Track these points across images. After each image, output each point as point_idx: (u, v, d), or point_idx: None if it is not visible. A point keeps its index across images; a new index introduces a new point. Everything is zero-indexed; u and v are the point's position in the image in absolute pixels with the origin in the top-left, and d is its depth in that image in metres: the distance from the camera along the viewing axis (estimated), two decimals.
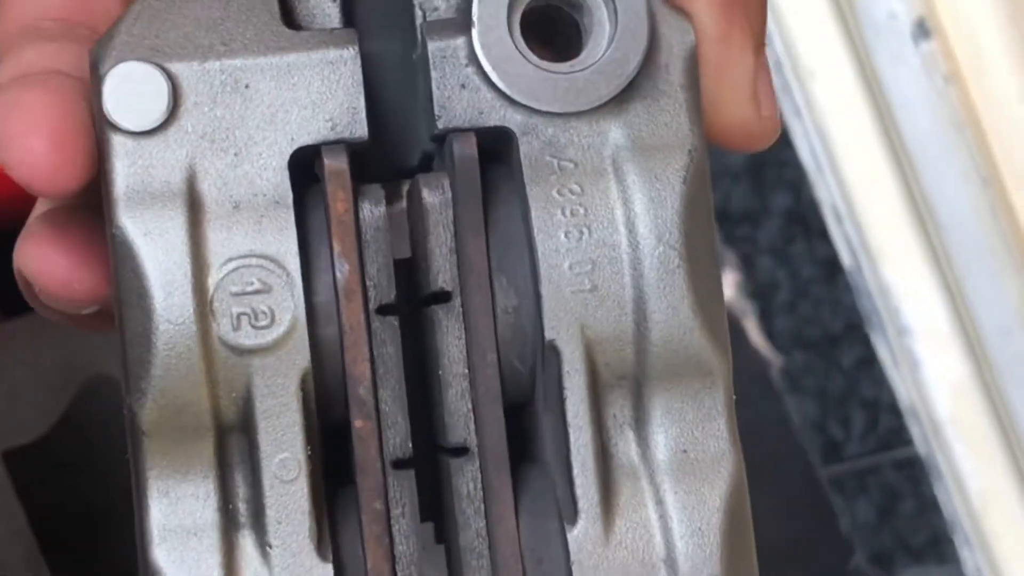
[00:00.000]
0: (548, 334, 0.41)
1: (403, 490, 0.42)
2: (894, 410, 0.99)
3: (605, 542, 0.41)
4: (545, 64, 0.41)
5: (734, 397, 0.43)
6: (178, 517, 0.42)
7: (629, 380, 0.42)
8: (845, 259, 0.99)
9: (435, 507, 0.44)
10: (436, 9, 0.43)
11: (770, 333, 1.04)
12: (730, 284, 1.05)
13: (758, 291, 1.04)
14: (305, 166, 0.41)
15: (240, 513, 0.42)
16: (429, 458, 0.44)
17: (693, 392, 0.42)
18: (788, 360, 1.10)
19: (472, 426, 0.42)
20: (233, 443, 0.42)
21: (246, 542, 0.42)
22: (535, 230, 0.41)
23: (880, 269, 0.97)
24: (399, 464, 0.42)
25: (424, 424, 0.43)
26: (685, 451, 0.42)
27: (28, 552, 0.73)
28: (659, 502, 0.42)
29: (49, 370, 0.74)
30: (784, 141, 0.99)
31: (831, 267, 1.02)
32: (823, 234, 1.01)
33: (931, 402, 0.96)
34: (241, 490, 0.42)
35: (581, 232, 0.41)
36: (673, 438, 0.42)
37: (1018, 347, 0.92)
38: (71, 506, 0.77)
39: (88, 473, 0.76)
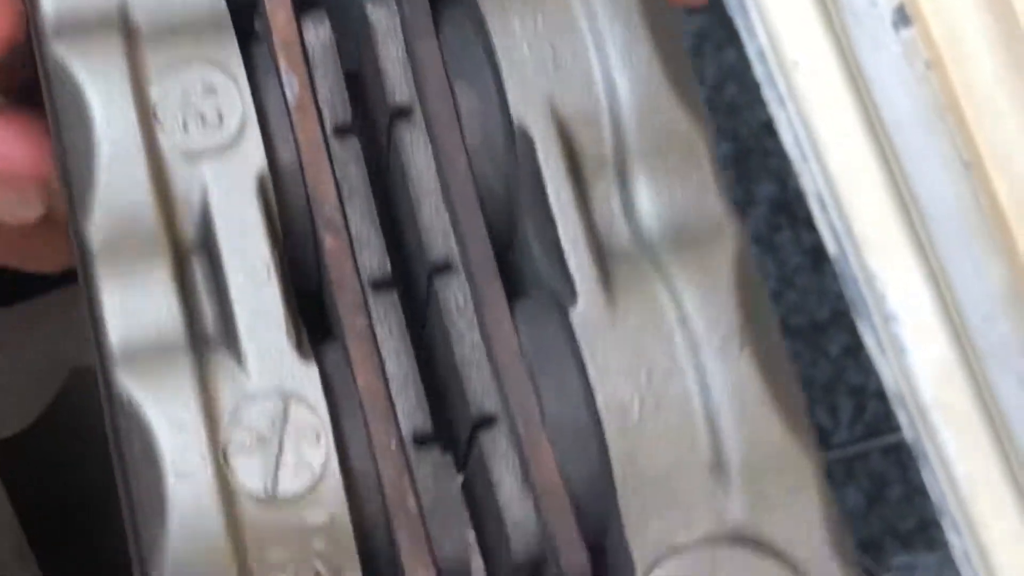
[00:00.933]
0: (516, 117, 0.39)
1: (387, 310, 0.40)
2: (881, 397, 1.00)
3: (611, 317, 0.39)
4: None
5: (719, 164, 0.40)
6: (140, 338, 0.38)
7: (611, 165, 0.39)
8: (830, 247, 0.99)
9: (422, 339, 0.41)
10: None
11: None
12: None
13: None
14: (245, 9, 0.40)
15: (209, 333, 0.39)
16: (409, 290, 0.41)
17: (679, 169, 0.40)
18: None
19: (452, 239, 0.40)
20: (195, 264, 0.39)
21: (219, 356, 0.39)
22: (488, 23, 0.39)
23: (865, 256, 0.97)
24: (379, 285, 0.40)
25: (399, 255, 0.41)
26: (682, 228, 0.39)
27: (15, 544, 0.73)
28: (663, 274, 0.39)
29: (34, 361, 0.74)
30: (768, 130, 1.00)
31: (817, 255, 1.02)
32: (808, 222, 1.01)
33: (917, 388, 0.96)
34: (208, 310, 0.39)
35: (535, 15, 0.39)
36: (667, 218, 0.39)
37: (1002, 331, 0.92)
38: (58, 498, 0.78)
39: (75, 464, 0.76)
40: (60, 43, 0.39)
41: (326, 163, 0.39)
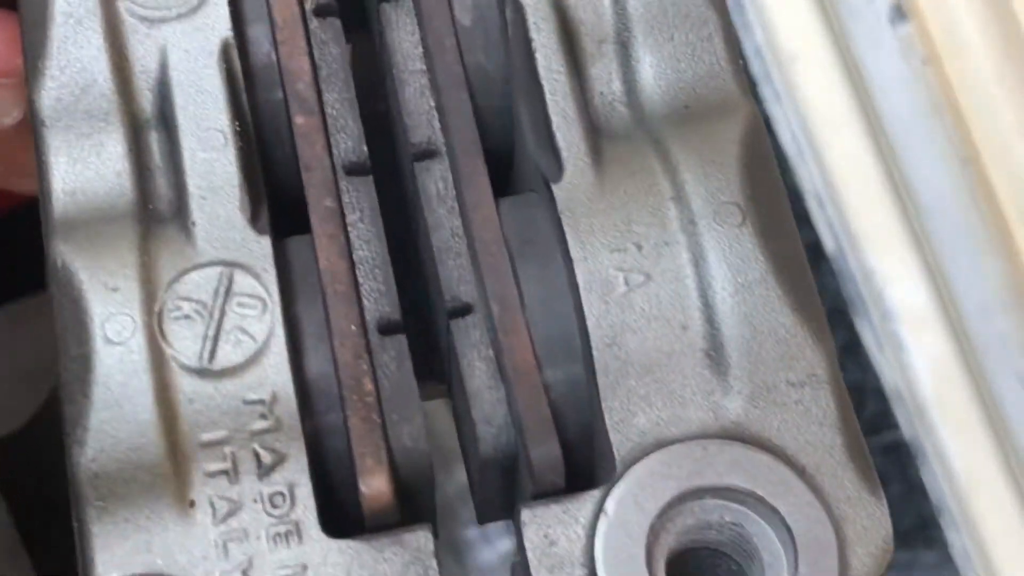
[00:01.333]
0: None
1: (359, 195, 0.37)
2: (880, 394, 0.99)
3: (598, 189, 0.36)
4: None
5: (741, 55, 0.38)
6: (86, 207, 0.36)
7: (612, 43, 0.37)
8: (828, 244, 0.99)
9: (402, 230, 0.39)
10: None
11: None
12: None
13: None
14: None
15: (162, 211, 0.36)
16: (393, 180, 0.39)
17: (688, 46, 0.37)
18: None
19: (436, 124, 0.37)
20: (151, 141, 0.37)
21: (167, 229, 0.36)
22: None
23: (863, 253, 0.97)
24: (352, 170, 0.37)
25: (385, 144, 0.39)
26: (687, 106, 0.37)
27: (9, 543, 0.73)
28: (660, 149, 0.36)
29: (26, 362, 0.74)
30: (766, 128, 1.00)
31: (815, 253, 1.02)
32: (806, 220, 1.01)
33: (915, 385, 0.96)
34: (162, 181, 0.37)
35: None
36: (671, 96, 0.37)
37: (999, 327, 0.92)
38: (52, 498, 0.78)
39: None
40: None
41: (302, 39, 0.37)
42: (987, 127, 0.91)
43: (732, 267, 0.35)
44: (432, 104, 0.37)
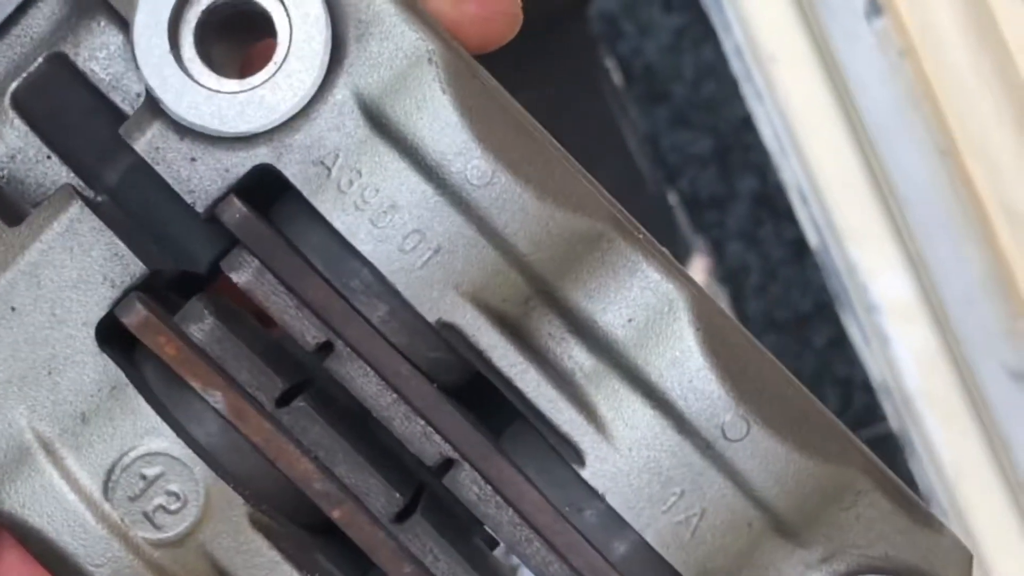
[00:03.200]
0: (430, 316, 0.39)
1: (422, 537, 0.40)
2: (867, 387, 1.00)
3: (618, 454, 0.39)
4: (222, 85, 0.38)
5: (640, 235, 0.40)
6: None
7: (535, 297, 0.39)
8: (812, 239, 0.99)
9: (456, 533, 0.42)
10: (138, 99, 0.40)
11: (743, 317, 1.05)
12: (701, 270, 1.06)
13: (728, 276, 1.05)
14: (117, 331, 0.39)
15: None
16: (419, 500, 0.42)
17: (597, 261, 0.39)
18: (761, 343, 1.09)
19: (437, 437, 0.40)
20: None
21: None
22: (350, 238, 0.39)
23: (846, 247, 0.97)
24: (401, 516, 0.40)
25: (395, 475, 0.41)
26: (631, 319, 0.39)
27: None
28: (639, 381, 0.39)
29: None
30: (748, 125, 1.00)
31: (799, 248, 1.02)
32: (790, 216, 1.01)
33: (901, 377, 0.96)
34: None
35: (385, 210, 0.39)
36: (612, 315, 0.39)
37: (982, 316, 0.93)
38: None
39: None
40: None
41: (290, 446, 0.39)
42: (964, 118, 0.92)
43: (761, 463, 0.39)
44: (423, 424, 0.40)
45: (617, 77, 1.03)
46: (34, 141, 0.40)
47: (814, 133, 0.98)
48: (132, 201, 0.40)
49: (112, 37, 0.40)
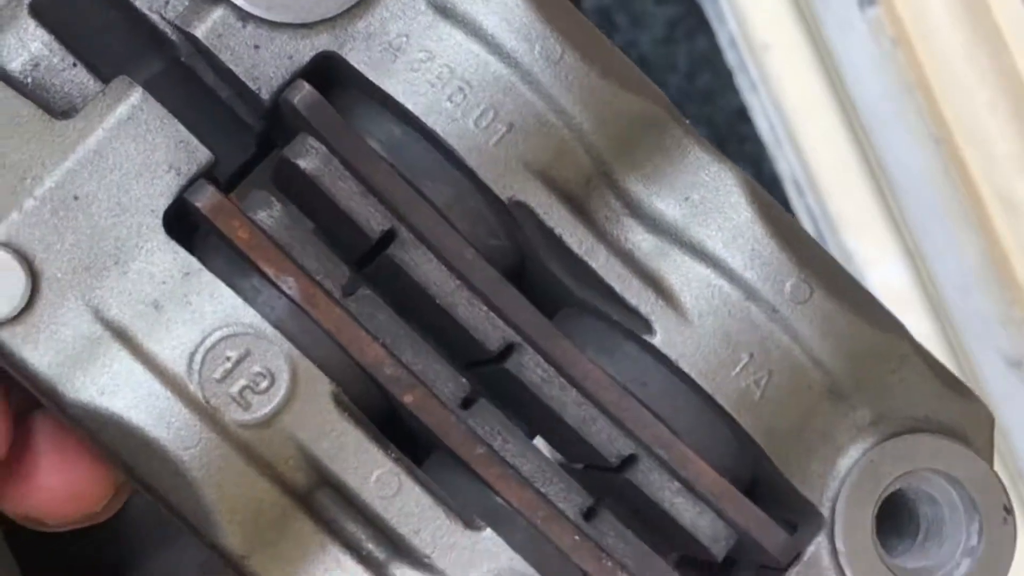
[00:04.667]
0: (503, 194, 0.39)
1: (490, 421, 0.40)
2: None
3: (687, 322, 0.40)
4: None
5: (687, 121, 0.41)
6: None
7: (596, 177, 0.40)
8: (808, 229, 0.99)
9: (521, 414, 0.42)
10: (166, 5, 0.40)
11: None
12: None
13: None
14: (185, 219, 0.39)
15: (376, 554, 0.39)
16: (483, 380, 0.42)
17: (652, 145, 0.40)
18: None
19: (499, 322, 0.40)
20: (325, 501, 0.39)
21: (402, 570, 0.39)
22: (425, 116, 0.39)
23: (842, 237, 0.97)
24: (468, 402, 0.40)
25: (457, 355, 0.41)
26: (687, 197, 0.41)
27: (1, 557, 0.73)
28: (702, 254, 0.40)
29: None
30: (743, 116, 1.00)
31: None
32: (786, 206, 1.01)
33: None
34: (363, 535, 0.39)
35: (460, 87, 0.39)
36: (669, 195, 0.40)
37: (978, 304, 0.93)
38: None
39: None
40: (72, 388, 0.38)
41: (361, 332, 0.39)
42: (958, 105, 0.92)
43: (822, 326, 0.40)
44: (485, 309, 0.40)
45: None
46: (58, 49, 0.40)
47: (809, 123, 0.98)
48: (168, 97, 0.40)
49: None
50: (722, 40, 1.00)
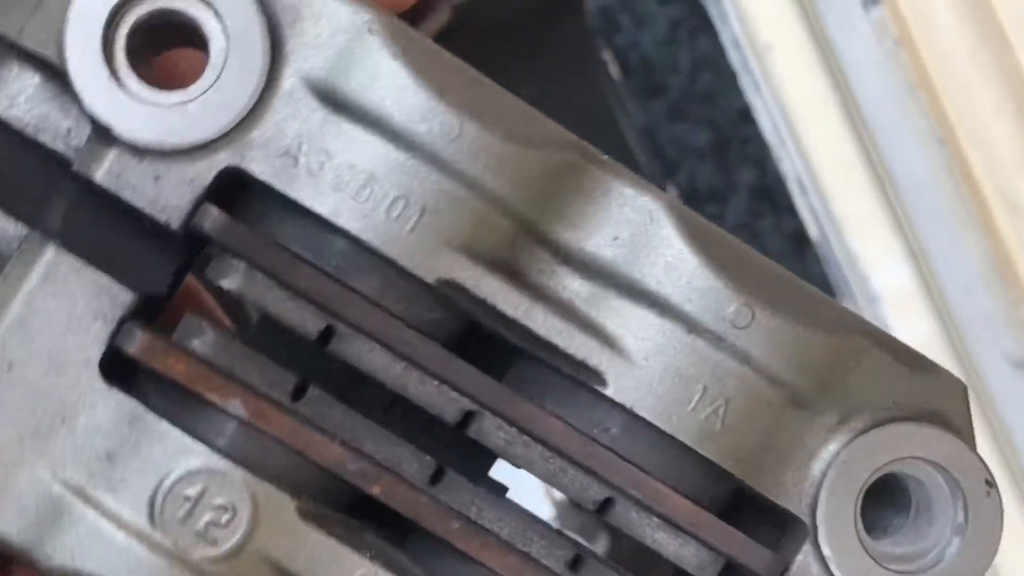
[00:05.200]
0: (429, 277, 0.39)
1: (461, 493, 0.40)
2: None
3: (636, 367, 0.40)
4: (167, 99, 0.38)
5: (605, 157, 0.40)
6: None
7: (521, 237, 0.40)
8: (812, 231, 0.99)
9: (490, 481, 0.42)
10: (69, 134, 0.40)
11: None
12: None
13: None
14: (123, 359, 0.39)
15: None
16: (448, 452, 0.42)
17: (573, 191, 0.40)
18: None
19: (453, 393, 0.40)
20: None
21: None
22: (334, 218, 0.39)
23: (846, 238, 0.97)
24: (436, 477, 0.40)
25: (420, 440, 0.41)
26: (616, 237, 0.40)
27: None
28: (639, 294, 0.40)
29: None
30: (746, 117, 1.00)
31: (799, 240, 1.02)
32: (790, 208, 1.01)
33: None
34: None
35: (364, 183, 0.39)
36: (598, 237, 0.40)
37: (982, 305, 0.92)
38: None
39: None
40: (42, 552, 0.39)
41: (316, 435, 0.39)
42: (962, 106, 0.91)
43: (771, 344, 0.40)
44: (436, 383, 0.40)
45: (614, 70, 1.03)
46: None
47: (812, 124, 0.98)
48: (81, 239, 0.39)
49: (28, 80, 0.40)
50: (725, 41, 1.00)
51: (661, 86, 1.03)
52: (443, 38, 0.99)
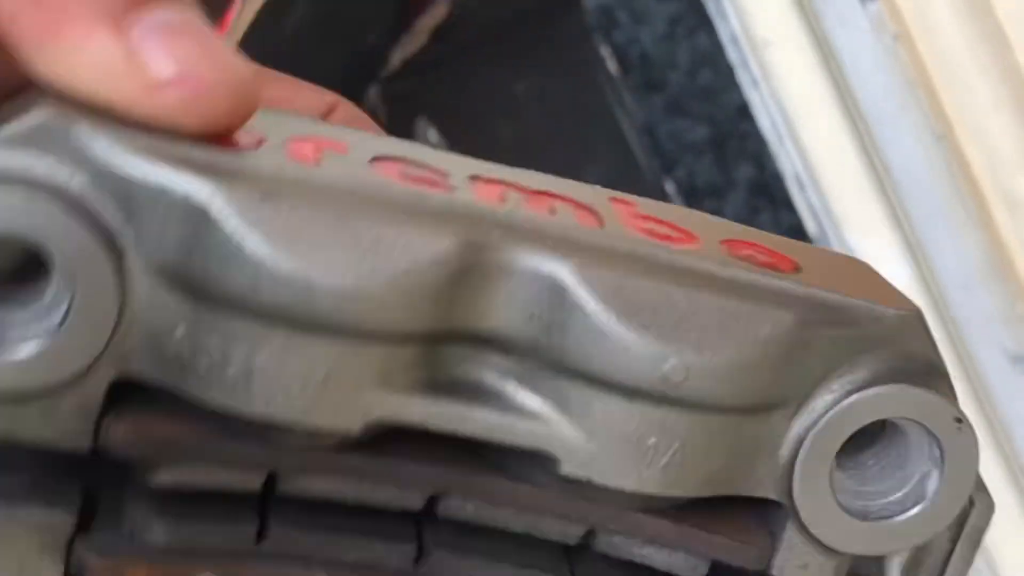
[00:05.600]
0: (355, 427, 0.38)
1: (447, 562, 0.41)
2: None
3: (583, 442, 0.39)
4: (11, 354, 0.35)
5: (496, 232, 0.38)
6: None
7: (432, 347, 0.38)
8: (810, 227, 0.99)
9: (473, 544, 0.42)
10: None
11: None
12: None
13: None
14: None
15: None
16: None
17: (473, 286, 0.38)
18: None
19: (411, 490, 0.40)
20: None
21: None
22: (235, 412, 0.37)
23: (844, 234, 0.97)
24: (419, 558, 0.41)
25: (392, 527, 0.41)
26: (531, 315, 0.38)
27: None
28: (567, 371, 0.38)
29: None
30: (744, 113, 1.00)
31: (797, 236, 1.02)
32: (788, 204, 1.01)
33: None
34: None
35: (251, 373, 0.36)
36: (515, 318, 0.38)
37: (980, 302, 0.92)
38: None
39: None
40: None
41: (293, 570, 0.39)
42: (960, 101, 0.91)
43: (711, 385, 0.38)
44: (390, 487, 0.40)
45: (612, 66, 1.03)
46: None
47: (810, 120, 0.98)
48: None
49: None
50: (723, 37, 1.00)
51: (659, 82, 1.03)
52: (441, 34, 0.99)
